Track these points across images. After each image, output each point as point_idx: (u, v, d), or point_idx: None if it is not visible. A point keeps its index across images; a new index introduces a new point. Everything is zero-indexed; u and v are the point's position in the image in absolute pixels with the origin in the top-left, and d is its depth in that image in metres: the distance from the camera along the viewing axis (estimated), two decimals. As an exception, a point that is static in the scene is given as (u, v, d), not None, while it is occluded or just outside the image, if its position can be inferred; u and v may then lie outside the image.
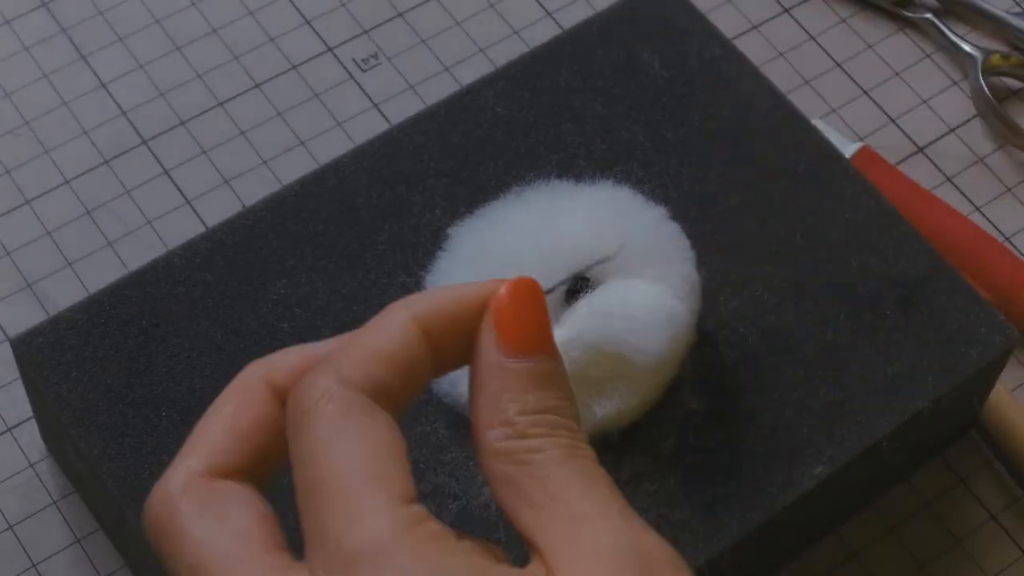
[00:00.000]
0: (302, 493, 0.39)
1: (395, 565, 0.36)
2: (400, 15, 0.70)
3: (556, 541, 0.38)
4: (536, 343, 0.41)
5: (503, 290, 0.41)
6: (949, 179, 0.67)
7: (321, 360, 0.41)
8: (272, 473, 0.42)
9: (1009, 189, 0.67)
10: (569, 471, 0.39)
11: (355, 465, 0.38)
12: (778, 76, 0.67)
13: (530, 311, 0.41)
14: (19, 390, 0.60)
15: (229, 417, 0.42)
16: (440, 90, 0.68)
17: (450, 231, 0.53)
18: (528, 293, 0.41)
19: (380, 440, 0.39)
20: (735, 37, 0.69)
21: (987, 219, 0.66)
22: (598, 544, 0.38)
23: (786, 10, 0.71)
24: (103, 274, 0.63)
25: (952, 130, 0.68)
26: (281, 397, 0.42)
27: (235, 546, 0.39)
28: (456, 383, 0.50)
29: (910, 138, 0.68)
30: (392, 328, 0.40)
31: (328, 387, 0.39)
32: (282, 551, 0.39)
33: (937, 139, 0.68)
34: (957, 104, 0.69)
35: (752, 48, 0.68)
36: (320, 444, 0.39)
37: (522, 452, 0.39)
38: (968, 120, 0.69)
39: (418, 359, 0.40)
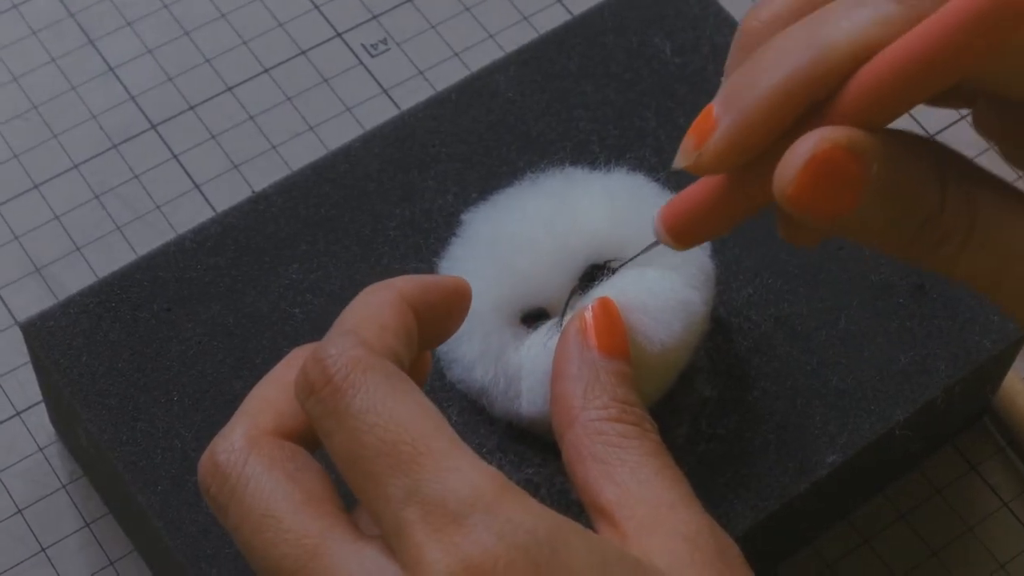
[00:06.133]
0: (363, 457, 0.38)
1: (507, 517, 0.37)
2: (409, 0, 0.70)
3: (643, 520, 0.41)
4: (622, 349, 0.46)
5: (595, 302, 0.47)
6: (960, 167, 0.67)
7: (334, 331, 0.41)
8: (315, 448, 0.43)
9: (1022, 176, 0.67)
10: (657, 463, 0.43)
11: (429, 426, 0.38)
12: (789, 63, 0.67)
13: (617, 322, 0.46)
14: (28, 374, 0.60)
15: (291, 386, 0.42)
16: (449, 76, 0.68)
17: (464, 217, 0.53)
18: (613, 308, 0.47)
19: (429, 404, 0.39)
20: (746, 23, 0.69)
21: (998, 207, 0.66)
22: (682, 528, 0.41)
23: (796, -3, 0.71)
24: (112, 259, 0.63)
25: (963, 117, 0.68)
26: None
27: (307, 503, 0.40)
28: (470, 368, 0.50)
29: (921, 124, 0.68)
30: (389, 305, 0.42)
31: (359, 355, 0.39)
32: (349, 516, 0.40)
33: (948, 126, 0.68)
34: (968, 91, 0.69)
35: (763, 34, 0.68)
36: (379, 408, 0.39)
37: (616, 436, 0.43)
38: (979, 107, 0.68)
39: (414, 334, 0.42)
